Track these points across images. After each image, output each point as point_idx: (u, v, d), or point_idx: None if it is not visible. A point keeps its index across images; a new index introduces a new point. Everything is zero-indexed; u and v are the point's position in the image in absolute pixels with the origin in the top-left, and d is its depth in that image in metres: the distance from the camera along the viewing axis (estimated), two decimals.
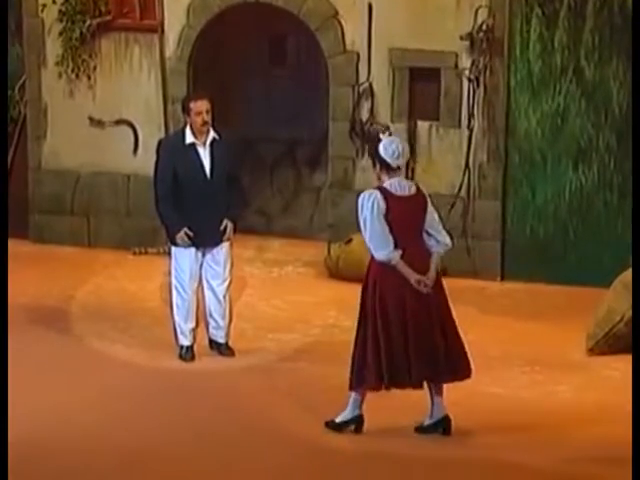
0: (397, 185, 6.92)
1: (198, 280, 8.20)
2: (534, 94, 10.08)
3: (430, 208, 7.01)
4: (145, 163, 10.19)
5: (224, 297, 8.25)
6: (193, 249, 8.12)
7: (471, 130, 10.19)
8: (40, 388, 7.67)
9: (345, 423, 7.09)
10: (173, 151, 8.13)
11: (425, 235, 6.99)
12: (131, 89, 10.91)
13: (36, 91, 11.16)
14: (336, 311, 9.43)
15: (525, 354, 8.51)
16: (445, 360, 6.95)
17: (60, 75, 11.03)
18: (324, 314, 9.38)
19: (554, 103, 10.05)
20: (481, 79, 10.09)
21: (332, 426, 7.09)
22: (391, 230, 6.84)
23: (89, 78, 11.00)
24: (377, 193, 6.87)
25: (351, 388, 7.04)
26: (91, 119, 11.07)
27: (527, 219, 10.23)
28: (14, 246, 11.21)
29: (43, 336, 8.72)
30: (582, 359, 8.45)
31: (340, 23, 10.46)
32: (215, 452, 6.78)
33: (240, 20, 11.02)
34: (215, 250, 8.18)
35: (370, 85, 10.45)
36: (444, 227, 7.14)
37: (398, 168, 6.91)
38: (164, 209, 8.09)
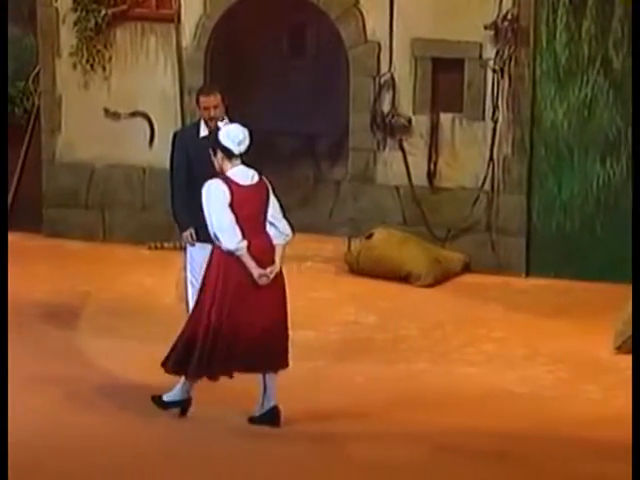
0: (241, 174, 6.90)
1: None
2: (560, 85, 9.93)
3: (272, 197, 7.01)
4: (161, 156, 10.03)
5: None
6: (208, 244, 7.96)
7: (495, 122, 10.06)
8: (52, 383, 7.57)
9: (172, 403, 7.05)
10: (187, 143, 7.99)
11: (268, 225, 6.97)
12: (147, 80, 10.77)
13: (50, 82, 11.04)
14: (356, 308, 9.33)
15: (550, 352, 8.42)
16: (267, 351, 6.93)
17: (75, 66, 10.92)
18: (344, 311, 9.27)
19: (581, 94, 9.89)
20: (506, 70, 9.96)
21: (157, 402, 7.07)
22: (237, 220, 6.79)
23: (104, 69, 10.87)
24: (222, 183, 6.83)
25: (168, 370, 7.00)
26: (106, 111, 10.94)
27: (553, 213, 10.10)
28: (28, 240, 11.16)
29: (56, 331, 8.66)
30: (610, 358, 8.33)
31: (361, 12, 10.31)
32: (223, 445, 6.65)
33: (259, 9, 10.85)
34: None
35: (392, 76, 10.29)
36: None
37: (240, 155, 6.91)
38: (176, 204, 7.96)
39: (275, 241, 6.98)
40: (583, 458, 6.62)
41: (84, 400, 7.32)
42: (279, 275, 7.02)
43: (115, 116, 10.95)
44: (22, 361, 7.88)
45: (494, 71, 9.99)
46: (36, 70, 11.14)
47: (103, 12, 10.70)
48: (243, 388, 7.10)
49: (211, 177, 7.76)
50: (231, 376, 6.95)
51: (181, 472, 6.42)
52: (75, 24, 10.80)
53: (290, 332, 8.65)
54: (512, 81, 9.98)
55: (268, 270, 6.88)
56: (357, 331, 8.82)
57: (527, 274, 10.22)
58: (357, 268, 10.18)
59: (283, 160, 11.74)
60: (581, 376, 7.93)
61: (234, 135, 6.92)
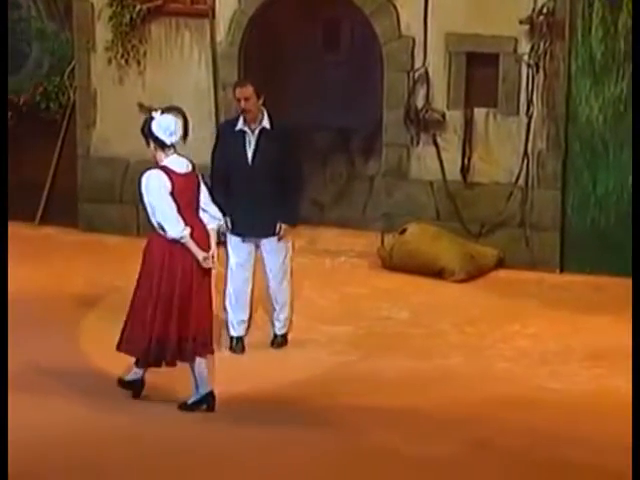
0: (176, 163, 6.98)
1: (251, 270, 8.04)
2: (596, 80, 9.85)
3: (202, 184, 7.12)
4: (195, 150, 10.00)
5: (277, 289, 8.13)
6: (240, 238, 7.99)
7: (530, 117, 9.99)
8: (87, 375, 7.60)
9: (130, 383, 7.18)
10: (225, 136, 8.09)
11: (200, 211, 7.09)
12: (181, 75, 10.79)
13: (85, 77, 11.08)
14: (389, 303, 9.30)
15: (585, 348, 8.36)
16: (201, 337, 7.01)
17: (110, 61, 10.95)
18: (377, 306, 9.24)
19: (617, 89, 9.81)
20: (541, 64, 9.90)
21: (122, 384, 7.19)
22: (178, 208, 6.90)
23: (139, 64, 10.90)
24: (161, 172, 6.90)
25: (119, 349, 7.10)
26: (141, 106, 10.96)
27: (588, 209, 10.03)
28: (63, 235, 11.22)
29: (91, 325, 8.65)
30: None
31: (395, 7, 10.27)
32: (254, 442, 6.63)
33: (293, 4, 10.85)
34: (266, 241, 8.01)
35: (426, 71, 10.25)
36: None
37: (172, 145, 6.95)
38: (215, 194, 7.95)
39: (209, 225, 7.09)
40: (619, 454, 6.56)
41: (120, 391, 7.33)
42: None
43: (149, 111, 10.95)
44: (58, 354, 7.92)
45: (529, 66, 9.93)
46: (71, 65, 11.19)
47: (138, 7, 10.73)
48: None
49: (239, 171, 7.91)
50: (175, 365, 7.05)
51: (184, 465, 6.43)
52: (110, 19, 10.83)
53: (323, 326, 8.73)
54: (547, 76, 9.91)
55: (210, 254, 6.99)
56: (390, 326, 8.80)
57: (561, 270, 10.15)
58: (390, 263, 10.16)
59: (317, 155, 11.74)
60: (615, 372, 7.85)
61: (166, 126, 6.95)
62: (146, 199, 6.96)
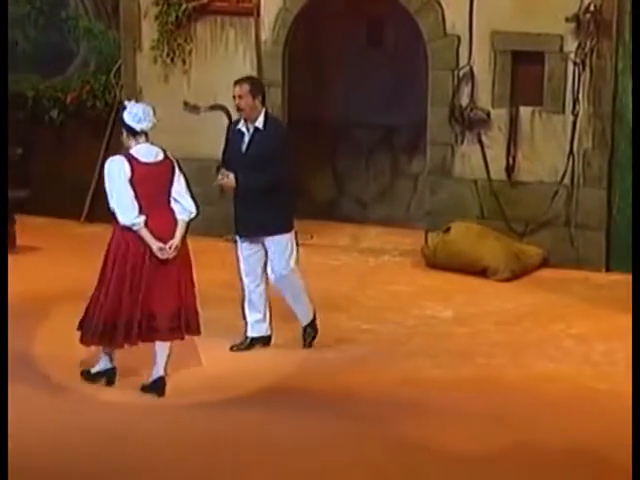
0: (143, 151, 7.04)
1: (260, 270, 7.95)
2: None
3: (177, 174, 7.14)
4: None
5: (285, 286, 7.98)
6: (242, 238, 7.98)
7: (576, 115, 9.93)
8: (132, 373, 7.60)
9: (98, 374, 7.28)
10: (229, 134, 8.01)
11: (172, 201, 7.13)
12: (226, 73, 10.79)
13: (131, 75, 11.14)
14: (433, 301, 9.26)
15: (630, 349, 8.20)
16: (163, 322, 7.11)
17: (155, 59, 11.00)
18: (421, 304, 9.20)
19: None
20: (587, 62, 9.83)
21: (86, 376, 7.29)
22: (136, 196, 6.94)
23: (184, 62, 10.95)
24: (123, 159, 7.00)
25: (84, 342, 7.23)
26: (185, 104, 11.01)
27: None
28: (104, 233, 11.19)
29: None
30: None
31: (440, 5, 10.24)
32: (311, 444, 6.62)
33: (337, 3, 10.85)
34: (267, 241, 7.91)
35: (471, 69, 10.21)
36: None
37: (142, 133, 7.03)
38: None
39: (179, 216, 7.15)
40: None
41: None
42: (182, 251, 7.17)
43: (194, 109, 11.02)
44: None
45: (575, 64, 9.86)
46: (118, 64, 11.26)
47: (184, 6, 10.77)
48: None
49: (235, 171, 7.80)
50: (135, 344, 7.15)
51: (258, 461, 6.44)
52: (156, 18, 10.89)
53: (366, 325, 8.71)
54: (593, 74, 9.84)
55: (168, 244, 7.03)
56: (434, 325, 8.76)
57: (607, 269, 10.07)
58: (434, 262, 10.13)
59: (361, 153, 11.74)
60: None
61: (134, 113, 7.06)
62: (106, 184, 7.07)
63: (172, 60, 10.95)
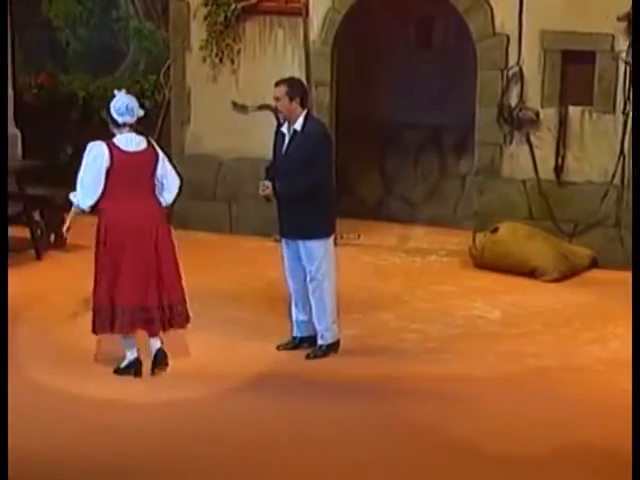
0: (125, 140, 7.28)
1: (302, 272, 7.88)
2: None
3: (161, 159, 7.40)
4: None
5: (312, 294, 7.88)
6: (284, 239, 7.96)
7: (627, 115, 9.83)
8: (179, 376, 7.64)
9: (127, 367, 7.48)
10: (275, 135, 7.96)
11: (158, 184, 7.40)
12: (274, 73, 10.75)
13: (180, 76, 11.19)
14: (481, 302, 9.22)
15: None
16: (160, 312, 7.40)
17: (204, 59, 11.04)
18: (469, 305, 9.17)
19: None
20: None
21: (119, 371, 7.49)
22: (117, 183, 7.21)
23: (232, 62, 10.97)
24: (104, 145, 7.25)
25: (97, 332, 7.47)
26: (234, 104, 11.05)
27: None
28: None
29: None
30: None
31: (490, 4, 10.20)
32: (359, 442, 6.62)
33: (386, 2, 10.83)
34: (301, 243, 7.85)
35: (520, 69, 10.16)
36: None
37: (125, 125, 7.28)
38: None
39: (160, 198, 7.44)
40: None
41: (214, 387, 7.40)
42: (166, 233, 7.45)
43: (243, 109, 11.05)
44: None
45: (626, 63, 9.76)
46: (167, 64, 11.33)
47: (233, 6, 10.79)
48: None
49: (275, 172, 7.84)
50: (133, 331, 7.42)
51: (323, 460, 6.45)
52: (205, 18, 10.91)
53: (414, 325, 8.69)
54: None
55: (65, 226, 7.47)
56: (482, 326, 8.72)
57: None
58: (482, 262, 10.08)
59: (409, 153, 11.72)
60: None
61: (118, 106, 7.32)
62: (82, 165, 7.31)
63: (221, 60, 10.98)
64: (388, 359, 7.99)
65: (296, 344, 8.06)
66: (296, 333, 8.08)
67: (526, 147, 10.26)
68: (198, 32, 11.02)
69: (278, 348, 8.06)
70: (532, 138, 10.23)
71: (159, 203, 7.45)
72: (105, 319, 7.35)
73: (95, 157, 7.23)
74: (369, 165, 11.81)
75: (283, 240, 8.00)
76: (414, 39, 11.45)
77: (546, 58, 10.09)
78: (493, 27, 10.21)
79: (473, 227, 10.46)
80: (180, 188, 7.59)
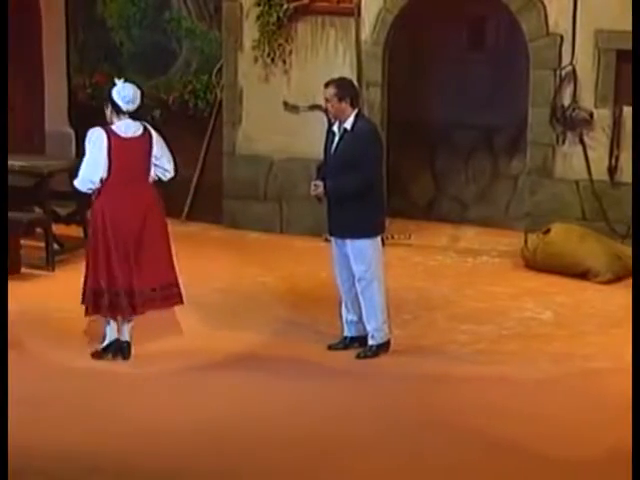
0: (123, 126, 7.51)
1: (350, 272, 7.86)
2: None
3: (155, 141, 7.61)
4: None
5: (362, 294, 7.85)
6: (333, 238, 7.96)
7: None
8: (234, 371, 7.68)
9: (105, 349, 7.69)
10: (326, 134, 7.96)
11: (154, 167, 7.63)
12: (326, 73, 10.76)
13: (232, 76, 11.23)
14: (533, 303, 9.17)
15: None
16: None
17: (256, 60, 11.06)
18: (520, 306, 9.11)
19: None
20: None
21: (96, 356, 7.65)
22: (114, 167, 7.44)
23: (284, 62, 10.99)
24: (102, 131, 7.49)
25: (87, 313, 7.67)
26: (285, 104, 11.06)
27: None
28: (208, 231, 11.42)
29: (235, 320, 8.71)
30: None
31: (543, 4, 10.13)
32: (410, 443, 6.61)
33: (438, 3, 10.79)
34: (349, 242, 7.84)
35: (573, 68, 10.08)
36: None
37: (126, 112, 7.51)
38: None
39: (162, 175, 7.70)
40: None
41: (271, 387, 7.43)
42: (159, 213, 7.66)
43: (294, 109, 11.07)
44: (203, 348, 8.06)
45: None
46: (219, 64, 11.37)
47: (285, 6, 10.80)
48: None
49: (325, 171, 7.83)
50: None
51: (367, 464, 6.44)
52: (258, 18, 10.93)
53: (464, 326, 8.66)
54: None
55: None
56: (533, 327, 8.66)
57: None
58: (534, 263, 10.02)
59: (461, 153, 11.67)
60: None
61: (125, 94, 7.53)
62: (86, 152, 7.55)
63: (273, 60, 11.00)
64: (438, 360, 7.97)
65: (347, 344, 8.06)
66: (346, 333, 8.08)
67: (579, 147, 10.18)
68: (250, 32, 11.05)
69: (329, 348, 8.06)
70: (585, 138, 10.15)
71: (153, 189, 7.68)
72: (90, 301, 7.59)
73: (94, 142, 7.48)
74: (420, 165, 11.78)
75: (333, 240, 8.00)
76: (466, 39, 11.39)
77: (600, 58, 10.01)
78: (546, 26, 10.14)
79: (525, 228, 10.40)
80: (175, 172, 7.79)
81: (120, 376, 7.47)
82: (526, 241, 10.23)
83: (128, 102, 7.52)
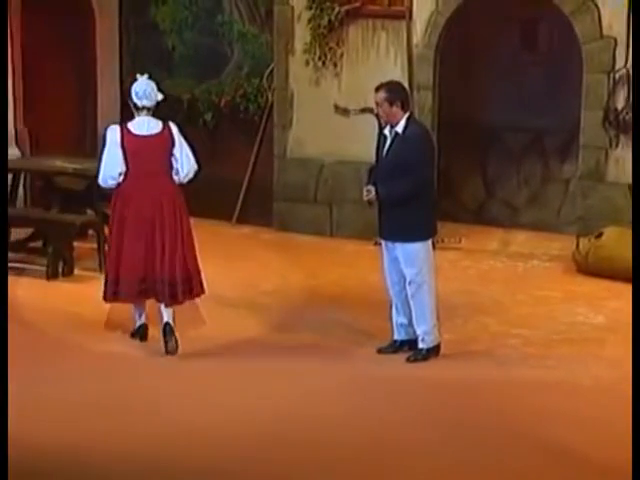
0: (138, 124, 7.67)
1: (400, 275, 7.83)
2: None
3: (177, 140, 7.71)
4: None
5: (412, 298, 7.82)
6: (383, 240, 7.94)
7: None
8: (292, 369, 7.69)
9: (134, 334, 7.98)
10: (378, 137, 7.93)
11: (174, 162, 7.73)
12: (376, 76, 10.71)
13: (283, 79, 11.25)
14: (585, 308, 9.09)
15: None
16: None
17: (307, 63, 11.08)
18: (572, 310, 9.04)
19: None
20: None
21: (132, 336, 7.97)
22: (131, 163, 7.62)
23: (335, 66, 11.00)
24: (117, 128, 7.71)
25: (106, 299, 7.87)
26: (336, 107, 11.07)
27: None
28: (258, 233, 11.46)
29: (283, 323, 8.71)
30: None
31: (597, 6, 10.04)
32: (462, 446, 6.57)
33: (490, 5, 10.75)
34: (400, 246, 7.80)
35: (627, 72, 9.98)
36: None
37: (143, 108, 7.65)
38: None
39: (175, 177, 7.75)
40: None
41: (325, 388, 7.43)
42: (181, 210, 7.76)
43: (345, 112, 11.07)
44: (254, 349, 8.08)
45: None
46: (270, 67, 11.40)
47: (337, 10, 10.82)
48: None
49: (376, 173, 7.82)
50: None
51: (418, 465, 6.42)
52: (309, 22, 10.96)
53: (515, 330, 8.60)
54: None
55: None
56: (585, 331, 8.59)
57: None
58: (585, 267, 9.94)
59: (512, 156, 11.61)
60: None
61: (137, 89, 7.67)
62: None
63: (324, 63, 11.01)
64: (488, 364, 7.92)
65: (397, 347, 8.04)
66: (397, 336, 8.06)
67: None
68: (301, 35, 11.07)
69: (379, 351, 8.05)
70: None
71: (173, 184, 7.74)
72: (111, 288, 7.77)
73: (109, 139, 7.67)
74: (471, 169, 11.74)
75: (383, 243, 7.99)
76: (518, 42, 11.34)
77: None
78: (600, 29, 10.06)
79: (576, 232, 10.32)
80: (196, 173, 7.81)
81: (184, 375, 7.50)
82: (578, 245, 10.15)
83: (141, 97, 7.64)
